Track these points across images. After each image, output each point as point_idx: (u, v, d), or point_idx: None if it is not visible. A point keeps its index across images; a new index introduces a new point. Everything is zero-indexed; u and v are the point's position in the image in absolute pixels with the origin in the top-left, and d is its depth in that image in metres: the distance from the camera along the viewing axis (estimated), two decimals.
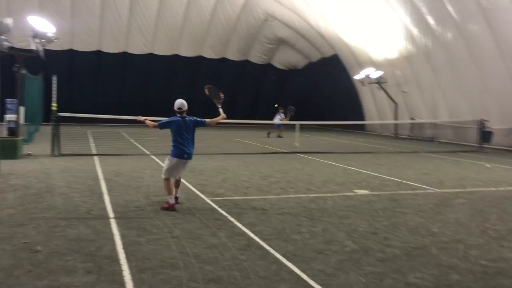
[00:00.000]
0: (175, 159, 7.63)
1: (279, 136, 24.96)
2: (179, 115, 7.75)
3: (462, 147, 21.36)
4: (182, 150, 7.60)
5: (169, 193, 7.57)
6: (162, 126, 7.86)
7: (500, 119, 21.06)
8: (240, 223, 6.77)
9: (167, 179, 7.69)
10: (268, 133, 25.51)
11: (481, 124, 20.21)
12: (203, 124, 7.96)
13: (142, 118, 8.37)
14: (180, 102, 7.76)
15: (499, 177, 12.23)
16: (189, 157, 7.74)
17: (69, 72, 31.88)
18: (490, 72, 20.91)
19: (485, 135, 20.65)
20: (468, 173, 12.97)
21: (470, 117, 22.31)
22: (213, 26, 34.01)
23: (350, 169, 13.17)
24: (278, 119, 25.13)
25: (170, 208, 7.40)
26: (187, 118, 7.77)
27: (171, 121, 7.74)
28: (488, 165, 14.67)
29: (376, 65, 28.41)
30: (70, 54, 32.50)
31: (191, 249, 5.49)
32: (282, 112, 25.80)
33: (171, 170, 7.68)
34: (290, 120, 24.86)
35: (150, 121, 8.14)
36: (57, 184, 9.55)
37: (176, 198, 7.74)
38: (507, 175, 12.67)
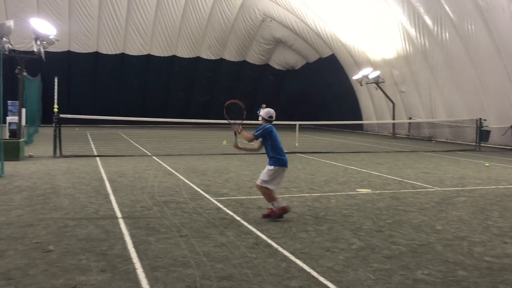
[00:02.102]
0: (281, 168, 7.12)
1: None
2: (269, 123, 7.35)
3: (460, 146, 21.55)
4: (285, 158, 7.19)
5: (272, 199, 7.07)
6: (258, 136, 7.24)
7: (497, 118, 21.26)
8: (247, 222, 6.86)
9: (267, 189, 7.10)
10: None
11: (479, 123, 20.36)
12: None
13: (240, 129, 7.30)
14: (272, 111, 7.43)
15: (498, 175, 12.37)
16: (287, 165, 7.29)
17: (66, 74, 31.90)
18: (487, 71, 21.11)
19: (483, 134, 20.82)
20: (467, 171, 13.10)
21: (467, 116, 22.51)
22: (210, 27, 34.12)
23: (351, 168, 13.28)
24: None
25: (278, 212, 7.00)
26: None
27: (268, 128, 7.21)
28: (486, 164, 14.82)
29: (374, 65, 28.59)
30: (68, 56, 32.52)
31: (201, 247, 5.57)
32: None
33: (277, 180, 7.15)
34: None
35: (245, 133, 7.26)
36: (62, 185, 9.61)
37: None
38: (506, 173, 12.81)
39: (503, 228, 6.82)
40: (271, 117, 7.42)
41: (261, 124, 7.42)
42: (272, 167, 7.10)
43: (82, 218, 6.91)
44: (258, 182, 7.18)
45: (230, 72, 37.00)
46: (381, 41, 27.24)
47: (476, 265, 5.17)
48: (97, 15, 31.54)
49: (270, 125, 7.30)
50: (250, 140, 7.32)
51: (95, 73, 34.01)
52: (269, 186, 7.08)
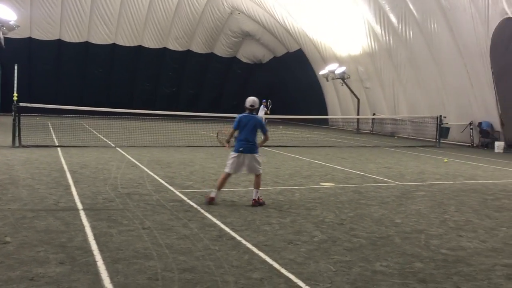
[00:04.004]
0: (233, 154, 7.72)
1: None
2: (248, 112, 7.81)
3: (421, 142, 22.14)
4: (239, 144, 7.68)
5: (218, 187, 7.66)
6: (236, 127, 7.82)
7: (457, 116, 21.93)
8: (211, 214, 6.85)
9: (226, 173, 7.72)
10: None
11: (439, 120, 20.93)
12: (262, 131, 7.87)
13: (227, 145, 8.13)
14: (252, 100, 7.80)
15: (456, 171, 12.78)
16: (245, 151, 7.66)
17: (27, 61, 30.89)
18: (448, 69, 21.71)
19: (443, 131, 21.42)
20: (427, 167, 13.48)
21: (428, 113, 23.12)
22: (178, 18, 33.72)
23: (315, 162, 13.44)
24: (262, 113, 24.98)
25: (209, 200, 7.54)
26: (252, 115, 7.82)
27: (239, 119, 7.80)
28: (445, 160, 15.29)
29: (340, 61, 28.94)
30: (29, 42, 31.50)
31: (164, 240, 5.53)
32: (265, 106, 25.80)
33: (231, 165, 7.69)
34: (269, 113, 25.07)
35: (231, 133, 8.00)
36: (20, 175, 9.35)
37: (254, 200, 7.66)
38: (463, 169, 13.25)
39: (459, 222, 7.06)
40: (252, 105, 7.89)
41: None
42: (231, 152, 7.82)
43: (41, 209, 6.74)
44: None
45: (197, 64, 36.71)
46: (347, 37, 27.58)
47: (432, 257, 5.34)
48: (61, 1, 30.65)
49: (242, 115, 7.87)
50: (232, 134, 7.99)
51: (57, 62, 33.07)
52: (225, 169, 7.77)
